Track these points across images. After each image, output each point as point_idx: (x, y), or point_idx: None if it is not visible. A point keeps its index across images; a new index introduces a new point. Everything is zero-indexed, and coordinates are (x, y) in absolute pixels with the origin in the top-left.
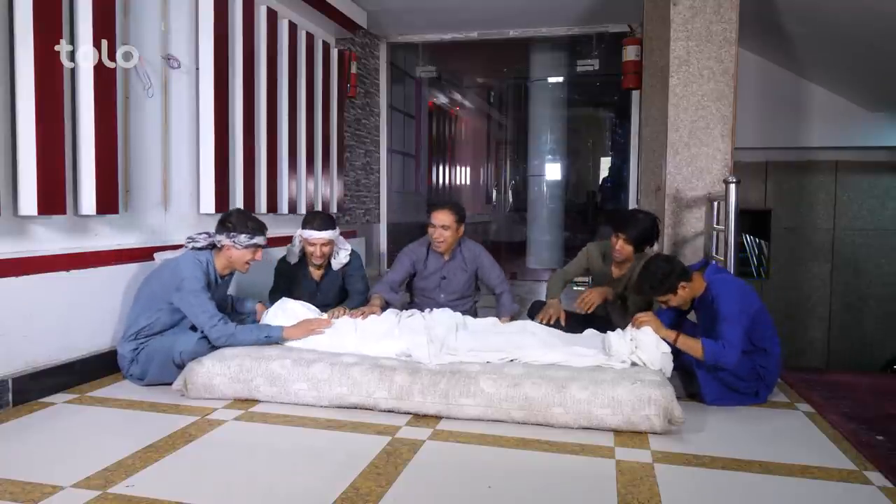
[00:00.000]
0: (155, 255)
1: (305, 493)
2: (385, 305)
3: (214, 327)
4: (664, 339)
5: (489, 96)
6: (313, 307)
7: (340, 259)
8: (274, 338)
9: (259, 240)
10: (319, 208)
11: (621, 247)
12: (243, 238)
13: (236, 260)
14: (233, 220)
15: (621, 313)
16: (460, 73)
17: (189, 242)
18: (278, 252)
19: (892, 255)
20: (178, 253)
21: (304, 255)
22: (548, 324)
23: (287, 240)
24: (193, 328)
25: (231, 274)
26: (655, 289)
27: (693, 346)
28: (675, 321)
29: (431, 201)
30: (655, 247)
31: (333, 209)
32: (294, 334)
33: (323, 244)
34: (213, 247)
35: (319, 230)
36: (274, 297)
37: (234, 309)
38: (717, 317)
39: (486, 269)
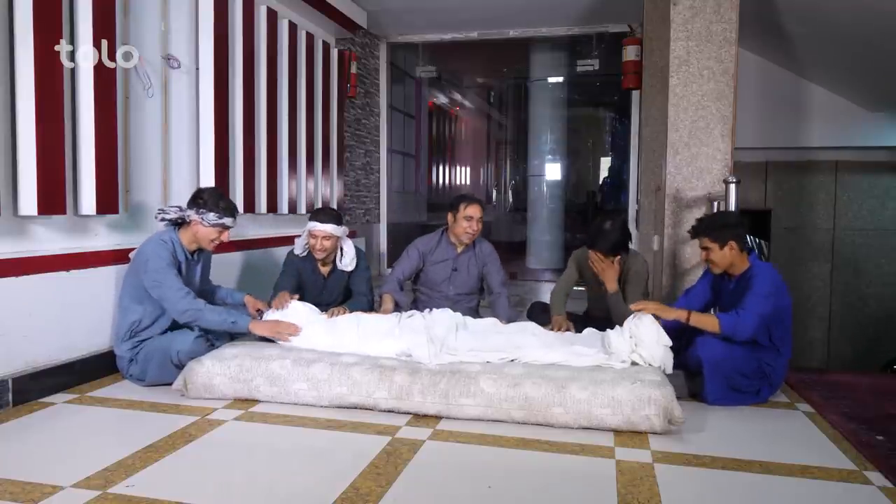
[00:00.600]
0: (130, 255)
1: (305, 493)
2: (395, 307)
3: (183, 300)
4: (673, 322)
5: (489, 96)
6: (315, 308)
7: (346, 263)
8: (240, 326)
9: (227, 221)
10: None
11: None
12: (211, 216)
13: (202, 237)
14: (205, 196)
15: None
16: (460, 73)
17: (160, 214)
18: (280, 252)
19: (892, 255)
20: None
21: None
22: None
23: (287, 240)
24: (188, 326)
25: (201, 253)
26: (709, 229)
27: (707, 321)
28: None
29: (461, 195)
30: (655, 244)
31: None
32: (259, 329)
33: (324, 237)
34: (182, 222)
35: (322, 223)
36: (279, 287)
37: (223, 302)
38: (749, 292)
39: (491, 269)
